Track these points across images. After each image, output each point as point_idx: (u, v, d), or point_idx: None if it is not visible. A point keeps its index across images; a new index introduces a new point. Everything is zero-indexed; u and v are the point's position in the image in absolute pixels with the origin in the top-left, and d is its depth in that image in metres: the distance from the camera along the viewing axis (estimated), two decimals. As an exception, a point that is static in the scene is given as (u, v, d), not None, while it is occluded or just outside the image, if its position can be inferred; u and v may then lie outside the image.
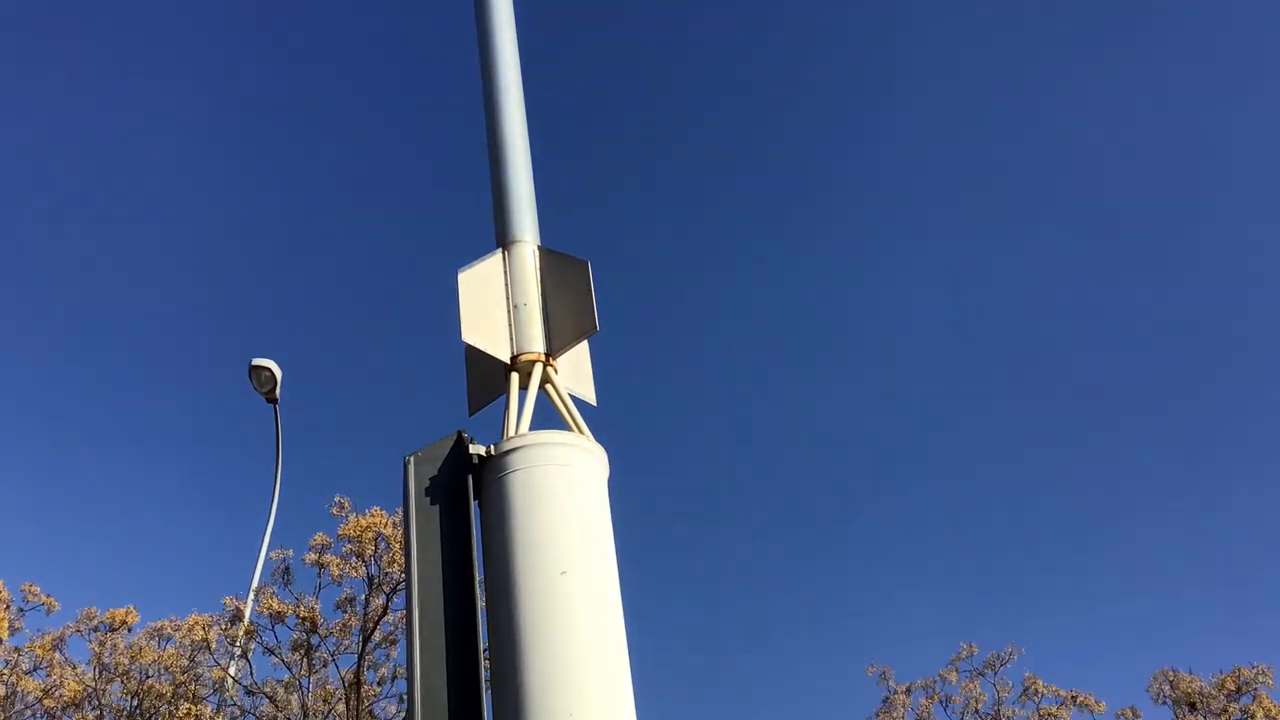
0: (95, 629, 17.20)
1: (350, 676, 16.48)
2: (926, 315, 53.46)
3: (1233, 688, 19.91)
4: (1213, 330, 49.47)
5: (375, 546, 16.51)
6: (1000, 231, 52.54)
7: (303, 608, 16.41)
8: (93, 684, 16.53)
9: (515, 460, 5.11)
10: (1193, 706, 20.07)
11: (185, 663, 16.72)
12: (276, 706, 16.74)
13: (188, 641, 16.79)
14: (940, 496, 50.11)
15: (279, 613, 16.30)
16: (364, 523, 16.33)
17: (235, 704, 16.61)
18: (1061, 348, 51.79)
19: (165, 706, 15.84)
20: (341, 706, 16.79)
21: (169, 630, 17.31)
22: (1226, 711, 19.75)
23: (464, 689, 4.85)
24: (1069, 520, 48.37)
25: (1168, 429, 48.83)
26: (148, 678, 16.60)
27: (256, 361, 18.19)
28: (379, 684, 17.10)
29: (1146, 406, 50.04)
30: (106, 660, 16.93)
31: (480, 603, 5.17)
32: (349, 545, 16.66)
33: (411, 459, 5.33)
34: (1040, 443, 50.85)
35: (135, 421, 48.90)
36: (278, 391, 18.27)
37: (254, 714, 16.98)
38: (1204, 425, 48.97)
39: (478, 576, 5.09)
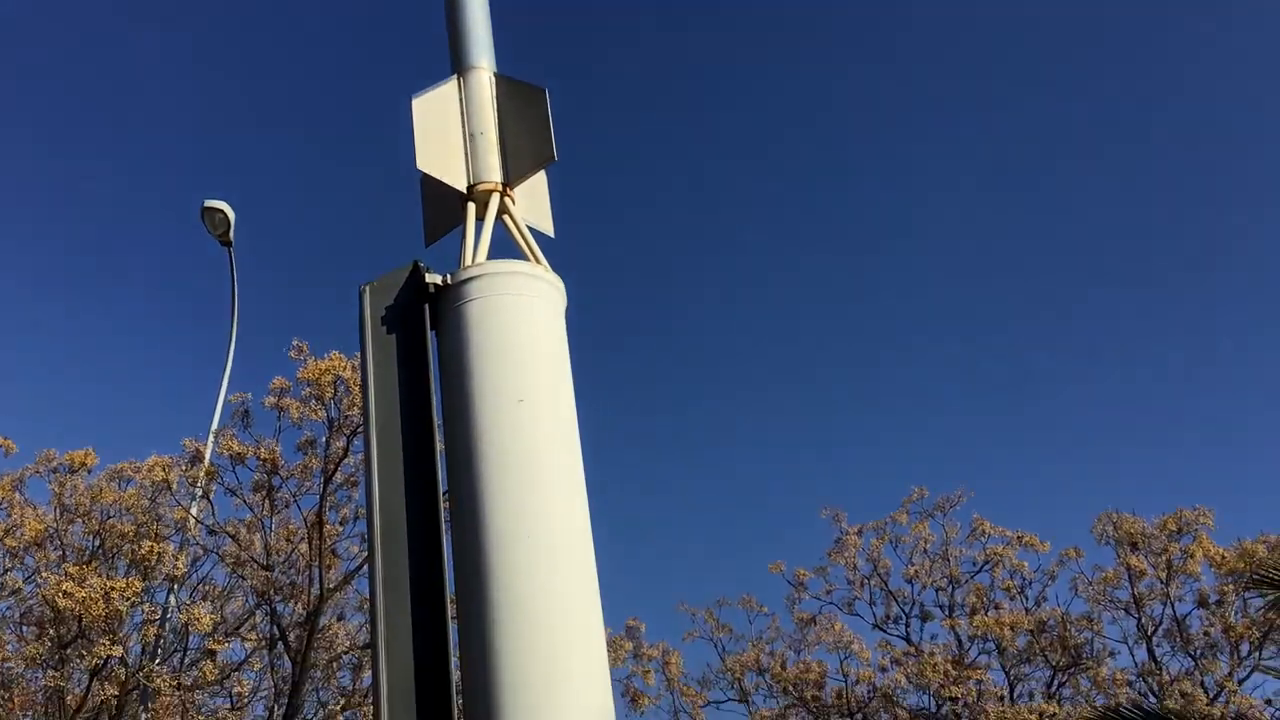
0: (54, 470, 17.19)
1: (312, 517, 16.64)
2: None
3: (1174, 529, 20.54)
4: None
5: (334, 390, 16.51)
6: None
7: (263, 450, 16.46)
8: (54, 524, 16.61)
9: (472, 289, 5.06)
10: (1134, 546, 20.71)
11: (146, 503, 16.79)
12: (239, 546, 16.93)
13: (148, 482, 16.82)
14: (897, 350, 50.66)
15: (239, 454, 16.34)
16: (323, 366, 16.28)
17: (198, 543, 16.78)
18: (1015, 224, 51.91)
19: (128, 545, 15.96)
20: (304, 546, 17.00)
21: (129, 472, 17.33)
22: (1167, 551, 20.41)
23: (423, 516, 4.88)
24: (1019, 368, 49.16)
25: (1119, 285, 49.39)
26: (109, 518, 16.68)
27: (209, 203, 17.85)
28: (341, 524, 17.29)
29: (1091, 263, 50.48)
30: (67, 501, 16.98)
31: (438, 432, 5.17)
32: (308, 389, 16.64)
33: (367, 288, 5.26)
34: (995, 298, 51.32)
35: (90, 263, 48.26)
36: (231, 234, 17.99)
37: (217, 553, 17.19)
38: (1149, 284, 49.57)
39: (435, 405, 5.08)
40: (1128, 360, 47.68)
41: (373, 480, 4.90)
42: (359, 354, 5.26)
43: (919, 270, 52.76)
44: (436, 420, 5.12)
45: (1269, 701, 19.64)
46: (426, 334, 5.13)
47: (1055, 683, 21.16)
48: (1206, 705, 17.34)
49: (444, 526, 4.97)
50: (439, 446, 5.12)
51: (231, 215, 17.86)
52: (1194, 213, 49.20)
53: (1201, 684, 19.28)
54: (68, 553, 16.64)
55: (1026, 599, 21.96)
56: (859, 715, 21.83)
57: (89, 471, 17.34)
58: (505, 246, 5.55)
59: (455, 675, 4.78)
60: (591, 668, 4.70)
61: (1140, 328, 48.72)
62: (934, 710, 21.31)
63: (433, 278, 5.18)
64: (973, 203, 52.24)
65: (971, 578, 22.39)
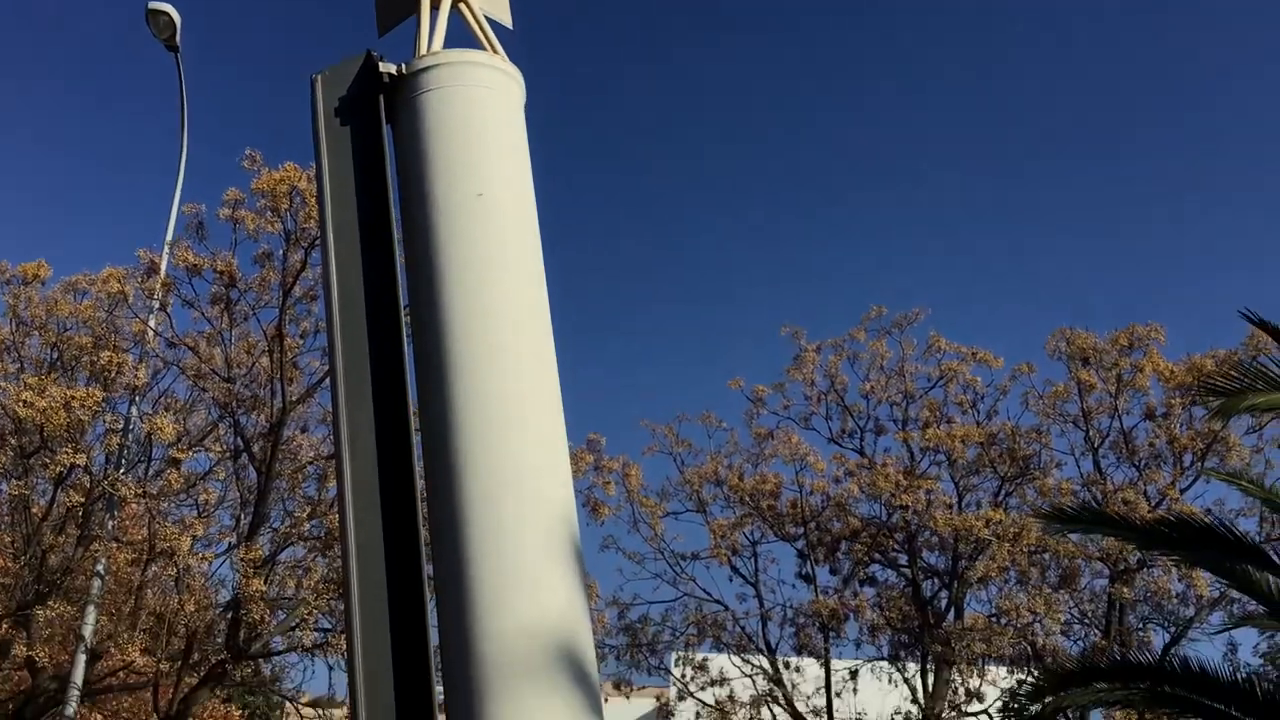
0: (8, 282, 16.95)
1: (272, 330, 16.56)
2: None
3: (1126, 344, 20.89)
4: None
5: (290, 201, 16.24)
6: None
7: (219, 262, 16.25)
8: (10, 336, 16.47)
9: (429, 80, 4.92)
10: (1086, 361, 21.09)
11: (103, 315, 16.65)
12: (200, 359, 16.89)
13: (103, 295, 16.65)
14: (857, 159, 50.42)
15: (195, 266, 16.14)
16: (277, 177, 15.96)
17: (157, 355, 16.72)
18: None
19: (86, 357, 15.87)
20: (265, 360, 16.97)
21: (83, 284, 17.12)
22: (1118, 365, 20.80)
23: (384, 323, 4.85)
24: (978, 175, 49.21)
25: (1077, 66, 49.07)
26: (66, 330, 16.55)
27: (153, 5, 17.18)
28: (301, 337, 17.22)
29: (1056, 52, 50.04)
30: (22, 313, 16.80)
31: (396, 228, 5.09)
32: (263, 200, 16.35)
33: (319, 78, 5.11)
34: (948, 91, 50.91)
35: (35, 70, 46.73)
36: (178, 38, 17.36)
37: (177, 366, 17.15)
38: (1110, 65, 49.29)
39: (392, 200, 4.99)
40: (1089, 171, 47.82)
41: (330, 276, 4.84)
42: (312, 145, 5.13)
43: (892, 94, 52.14)
44: (394, 216, 5.03)
45: (1209, 510, 20.37)
46: (381, 125, 5.01)
47: (1002, 492, 21.84)
48: (1148, 512, 17.95)
49: (405, 334, 4.94)
50: (398, 246, 5.04)
51: (177, 18, 17.22)
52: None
53: (1144, 493, 19.92)
54: (25, 364, 16.56)
55: (978, 413, 22.46)
56: (812, 523, 22.49)
57: (43, 284, 17.13)
58: (462, 38, 5.39)
59: (420, 482, 4.84)
60: (553, 465, 4.75)
61: (1103, 139, 48.68)
62: (884, 518, 21.99)
63: (387, 67, 5.03)
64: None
65: (926, 393, 22.80)
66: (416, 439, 4.93)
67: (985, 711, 20.90)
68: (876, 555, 22.37)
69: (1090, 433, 21.50)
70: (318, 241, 15.67)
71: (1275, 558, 8.60)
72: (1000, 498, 21.70)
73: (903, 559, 22.31)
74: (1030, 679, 18.42)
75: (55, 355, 16.53)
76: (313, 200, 15.69)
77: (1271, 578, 8.35)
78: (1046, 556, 20.54)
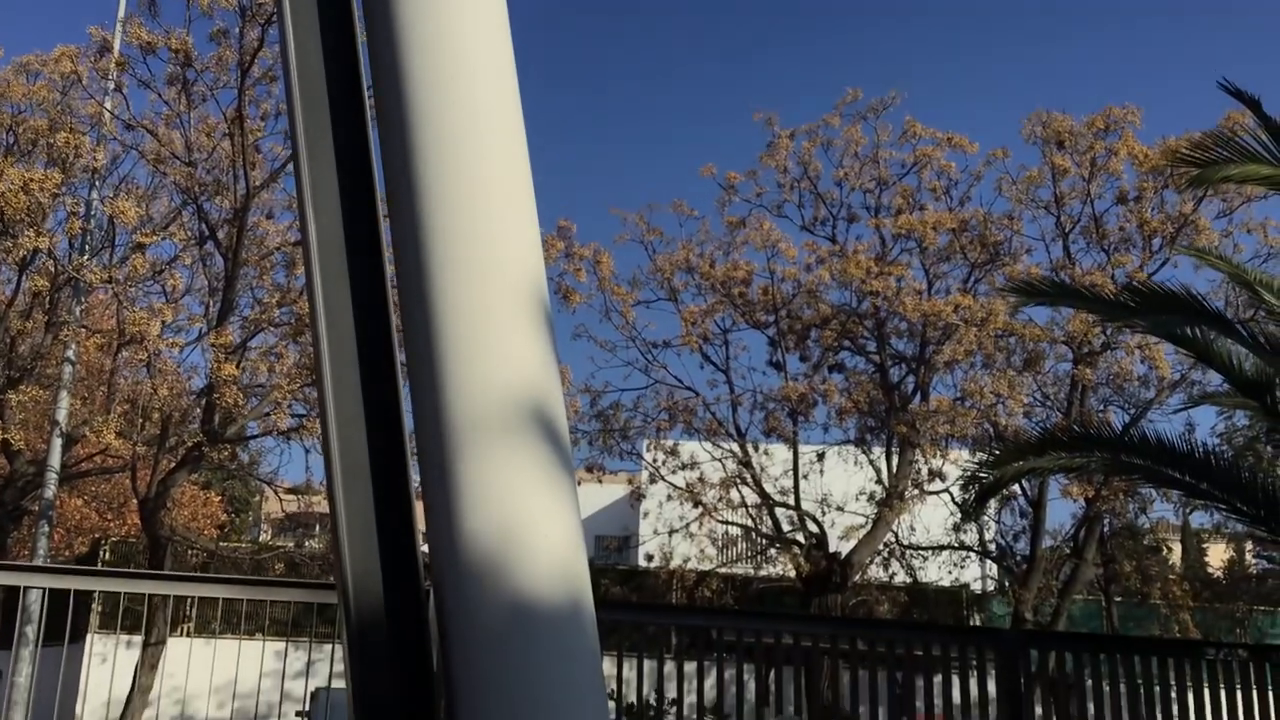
0: (-46, 64, 16.36)
1: (232, 113, 16.14)
2: None
3: (1101, 126, 20.64)
4: None
5: (244, -26, 15.60)
6: None
7: (174, 40, 15.69)
8: (-37, 118, 16.01)
9: None
10: (1061, 145, 20.89)
11: (57, 97, 16.15)
12: (159, 141, 16.49)
13: (57, 76, 16.11)
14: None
15: (149, 44, 15.57)
16: (230, -53, 15.28)
17: (116, 139, 16.31)
18: None
19: (43, 140, 15.46)
20: (227, 144, 16.60)
21: (35, 65, 16.55)
22: (1093, 149, 20.62)
23: (347, 103, 4.66)
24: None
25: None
26: (20, 113, 16.08)
27: None
28: (262, 120, 16.81)
29: None
30: (-26, 96, 16.29)
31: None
32: (217, -27, 15.68)
33: None
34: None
35: None
36: None
37: (137, 150, 16.76)
38: None
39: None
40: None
41: (288, 50, 4.63)
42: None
43: None
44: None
45: (1173, 294, 20.50)
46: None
47: (971, 278, 21.96)
48: (1114, 293, 18.08)
49: (370, 114, 4.77)
50: (358, 13, 4.81)
51: None
52: None
53: (1112, 276, 20.06)
54: (-20, 150, 16.14)
55: (951, 199, 22.35)
56: (783, 311, 22.62)
57: (-7, 66, 16.55)
58: None
59: (390, 269, 4.74)
60: (522, 236, 4.66)
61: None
62: (854, 305, 22.14)
63: None
64: None
65: (899, 180, 22.61)
66: (385, 223, 4.79)
67: (947, 489, 21.54)
68: (846, 342, 22.59)
69: (1061, 218, 21.49)
70: (275, 17, 15.11)
71: (1241, 329, 8.68)
72: (969, 284, 21.83)
73: (871, 345, 22.55)
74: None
75: (10, 139, 16.10)
76: (268, -26, 15.05)
77: (1233, 346, 8.42)
78: (1012, 340, 20.81)
